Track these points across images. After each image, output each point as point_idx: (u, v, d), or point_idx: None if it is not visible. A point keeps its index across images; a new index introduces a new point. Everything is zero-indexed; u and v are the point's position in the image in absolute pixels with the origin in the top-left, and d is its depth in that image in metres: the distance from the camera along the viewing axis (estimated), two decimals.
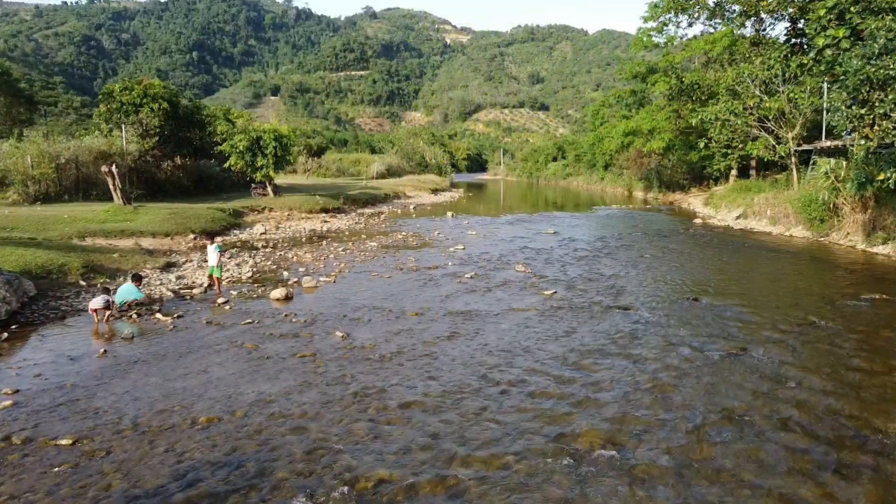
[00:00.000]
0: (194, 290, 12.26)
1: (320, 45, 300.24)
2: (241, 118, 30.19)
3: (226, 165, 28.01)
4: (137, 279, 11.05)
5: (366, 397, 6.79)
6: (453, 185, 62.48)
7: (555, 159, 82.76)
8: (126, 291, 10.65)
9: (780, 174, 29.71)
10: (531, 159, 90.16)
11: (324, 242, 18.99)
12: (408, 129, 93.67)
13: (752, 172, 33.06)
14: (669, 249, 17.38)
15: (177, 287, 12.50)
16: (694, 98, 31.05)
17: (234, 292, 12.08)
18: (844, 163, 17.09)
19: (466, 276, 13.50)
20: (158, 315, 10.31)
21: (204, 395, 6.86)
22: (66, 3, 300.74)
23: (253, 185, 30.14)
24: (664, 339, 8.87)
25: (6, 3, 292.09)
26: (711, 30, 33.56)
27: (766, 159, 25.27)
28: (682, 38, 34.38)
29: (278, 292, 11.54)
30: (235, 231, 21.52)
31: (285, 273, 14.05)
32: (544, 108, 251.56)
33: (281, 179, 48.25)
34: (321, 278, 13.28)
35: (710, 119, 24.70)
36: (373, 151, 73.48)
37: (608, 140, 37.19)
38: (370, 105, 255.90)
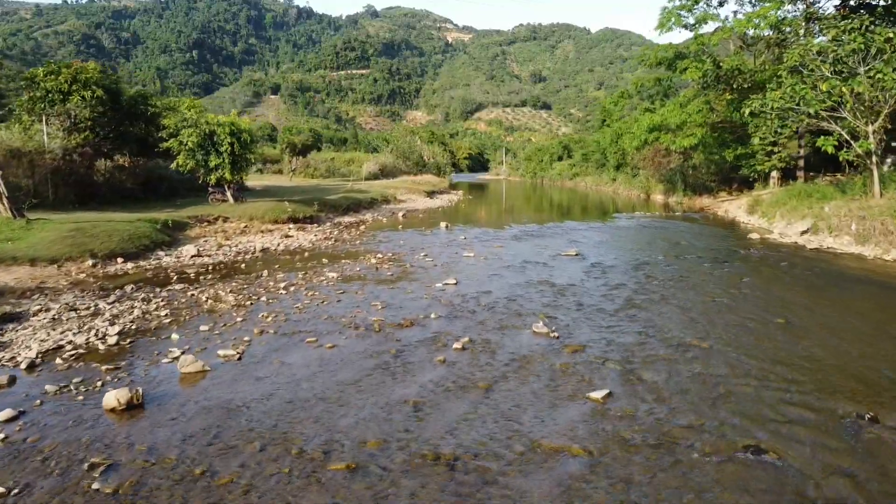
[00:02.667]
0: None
1: (321, 44, 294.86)
2: (192, 109, 24.92)
3: (172, 166, 22.84)
4: None
5: None
6: (453, 187, 57.22)
7: (560, 158, 77.47)
8: None
9: (843, 176, 24.43)
10: (535, 159, 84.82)
11: (267, 272, 13.79)
12: (405, 127, 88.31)
13: (800, 174, 27.79)
14: (746, 286, 12.13)
15: None
16: (734, 86, 25.81)
17: (51, 387, 6.91)
18: None
19: (456, 345, 8.31)
20: None
21: None
22: (66, 1, 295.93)
23: (210, 190, 24.97)
24: None
25: (6, 2, 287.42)
26: (749, 8, 28.28)
27: (827, 156, 20.07)
28: (716, 18, 29.08)
29: (115, 397, 6.35)
30: (161, 252, 16.31)
31: (174, 336, 8.88)
32: (546, 107, 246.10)
33: (258, 180, 43.06)
34: (220, 352, 8.09)
35: (769, 109, 19.43)
36: (373, 151, 68.23)
37: (628, 136, 31.87)
38: (371, 104, 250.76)
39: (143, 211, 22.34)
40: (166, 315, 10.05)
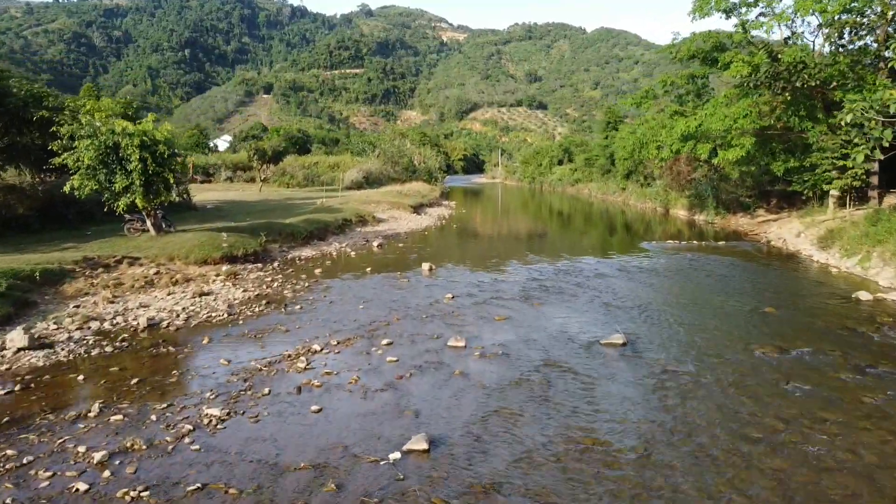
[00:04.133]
0: None
1: (315, 44, 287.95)
2: (95, 111, 18.89)
3: (66, 188, 16.81)
4: None
5: None
6: (445, 195, 51.25)
7: (560, 162, 71.59)
8: None
9: None
10: (533, 162, 78.89)
11: (97, 408, 7.85)
12: (394, 129, 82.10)
13: (873, 193, 21.99)
14: None
15: None
16: (800, 84, 20.00)
17: None
18: None
19: None
20: None
21: None
22: (57, 0, 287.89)
23: (127, 218, 18.97)
24: None
25: None
26: None
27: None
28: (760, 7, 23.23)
29: None
30: None
31: None
32: (542, 106, 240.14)
33: (223, 192, 36.94)
34: None
35: (874, 111, 13.64)
36: (359, 154, 62.00)
37: (652, 146, 25.83)
38: (365, 104, 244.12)
39: (29, 247, 16.37)
40: None
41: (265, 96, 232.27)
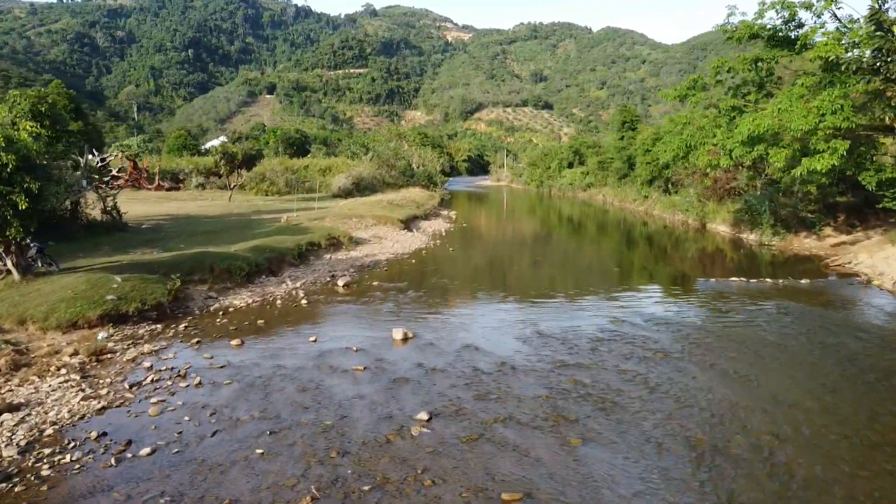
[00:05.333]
0: None
1: (319, 43, 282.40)
2: None
3: None
4: None
5: None
6: (443, 203, 45.44)
7: (570, 165, 65.61)
8: None
9: None
10: (541, 165, 72.85)
11: None
12: (390, 129, 76.18)
13: None
14: None
15: None
16: None
17: None
18: None
19: None
20: None
21: None
22: (61, 0, 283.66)
23: None
24: None
25: (1, 1, 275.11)
26: None
27: None
28: None
29: None
30: None
31: None
32: (548, 106, 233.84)
33: (174, 205, 30.96)
34: None
35: None
36: (351, 156, 56.18)
37: (703, 151, 19.61)
38: (369, 104, 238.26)
39: None
40: None
41: (268, 96, 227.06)
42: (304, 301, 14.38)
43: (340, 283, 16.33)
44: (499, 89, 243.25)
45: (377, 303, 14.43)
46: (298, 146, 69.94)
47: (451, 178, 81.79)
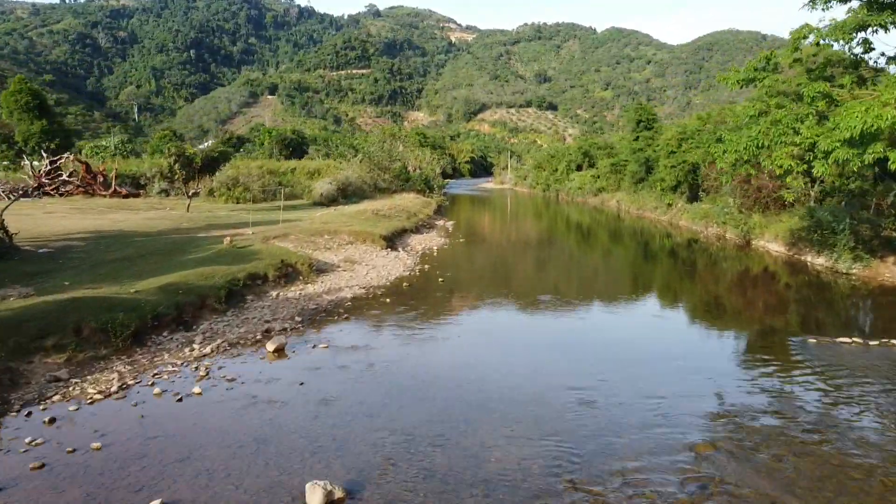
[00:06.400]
0: None
1: (322, 44, 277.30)
2: None
3: None
4: None
5: None
6: (441, 211, 40.12)
7: (579, 167, 60.24)
8: None
9: None
10: (548, 167, 67.46)
11: None
12: (384, 129, 70.76)
13: None
14: None
15: None
16: None
17: None
18: None
19: None
20: None
21: None
22: (64, 1, 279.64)
23: None
24: None
25: (3, 2, 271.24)
26: None
27: None
28: None
29: None
30: None
31: None
32: (552, 107, 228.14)
33: (116, 216, 25.15)
34: None
35: None
36: (340, 158, 50.84)
37: (781, 151, 14.34)
38: (371, 104, 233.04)
39: None
40: None
41: (269, 97, 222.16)
42: (196, 389, 9.09)
43: (271, 345, 11.03)
44: (502, 90, 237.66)
45: (312, 393, 9.14)
46: (295, 147, 64.76)
47: (452, 181, 76.46)
